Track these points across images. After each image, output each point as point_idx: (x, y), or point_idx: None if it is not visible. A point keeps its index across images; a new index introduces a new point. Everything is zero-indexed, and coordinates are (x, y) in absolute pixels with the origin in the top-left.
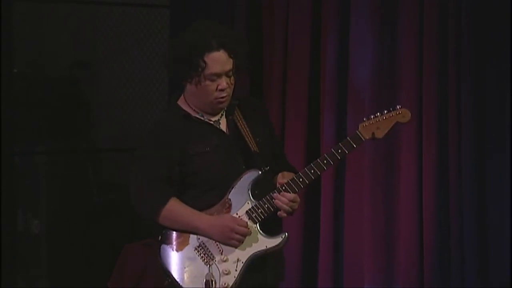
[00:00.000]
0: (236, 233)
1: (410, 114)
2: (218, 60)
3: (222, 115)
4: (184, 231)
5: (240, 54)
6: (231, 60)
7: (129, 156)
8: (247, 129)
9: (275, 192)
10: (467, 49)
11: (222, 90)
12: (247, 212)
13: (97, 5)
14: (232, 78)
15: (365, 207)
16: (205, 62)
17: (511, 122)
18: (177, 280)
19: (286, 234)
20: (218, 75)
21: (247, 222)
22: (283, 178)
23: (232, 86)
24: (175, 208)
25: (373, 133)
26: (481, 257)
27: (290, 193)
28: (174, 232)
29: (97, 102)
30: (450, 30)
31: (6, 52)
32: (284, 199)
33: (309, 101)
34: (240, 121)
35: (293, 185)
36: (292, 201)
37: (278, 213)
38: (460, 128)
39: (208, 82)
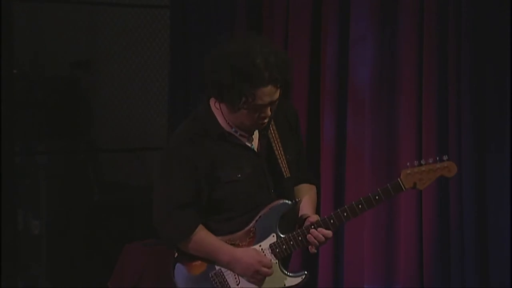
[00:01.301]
0: (260, 274)
1: (456, 169)
2: (268, 94)
3: None
4: (205, 260)
5: (288, 82)
6: (278, 91)
7: (155, 162)
8: (280, 147)
9: (303, 229)
10: (467, 49)
11: (265, 117)
12: (270, 246)
13: (97, 5)
14: (276, 104)
15: None
16: (253, 94)
17: (511, 122)
18: None
19: (306, 273)
20: (265, 106)
21: (272, 262)
22: (308, 206)
23: (274, 110)
24: (199, 238)
25: (415, 183)
26: (481, 257)
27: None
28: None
29: (97, 102)
30: (450, 30)
31: (6, 53)
32: (321, 237)
33: (309, 101)
34: (274, 136)
35: (322, 226)
36: (327, 237)
37: (310, 248)
38: (460, 128)
39: (252, 111)
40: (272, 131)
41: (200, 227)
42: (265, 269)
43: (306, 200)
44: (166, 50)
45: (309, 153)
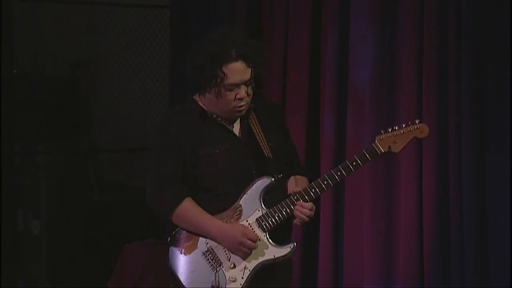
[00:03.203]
0: (244, 246)
1: (428, 130)
2: (237, 70)
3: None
4: (195, 233)
5: (259, 64)
6: (249, 70)
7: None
8: (261, 134)
9: (286, 201)
10: (467, 49)
11: (240, 99)
12: (257, 220)
13: (97, 5)
14: (251, 87)
15: (365, 207)
16: (224, 72)
17: (511, 122)
18: (183, 283)
19: (295, 244)
20: (237, 85)
21: (258, 236)
22: (295, 183)
23: (251, 95)
24: (188, 208)
25: (389, 147)
26: (481, 257)
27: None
28: (184, 235)
29: (97, 102)
30: (450, 30)
31: (6, 53)
32: (303, 210)
33: (309, 101)
34: (255, 126)
35: (305, 195)
36: (309, 209)
37: (294, 221)
38: (460, 128)
39: (227, 92)
40: (253, 122)
41: (189, 199)
42: (249, 242)
43: (294, 178)
44: (166, 50)
45: (309, 153)
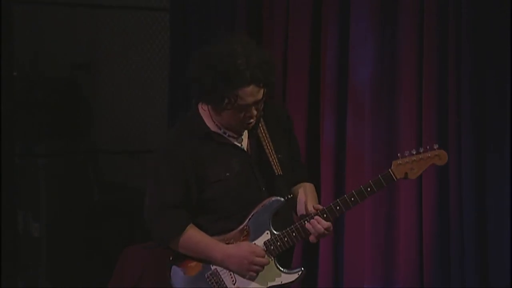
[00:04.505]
0: (255, 264)
1: (447, 157)
2: (250, 93)
3: None
4: (200, 260)
5: (271, 83)
6: (262, 90)
7: (144, 171)
8: (271, 144)
9: (296, 224)
10: (467, 49)
11: (250, 117)
12: (265, 243)
13: (98, 8)
14: (261, 103)
15: (365, 207)
16: (236, 95)
17: (511, 122)
18: None
19: (302, 269)
20: (249, 106)
21: (265, 252)
22: (305, 197)
23: (261, 110)
24: (190, 237)
25: (406, 173)
26: (481, 257)
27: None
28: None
29: (97, 103)
30: (450, 30)
31: (6, 53)
32: (319, 226)
33: (309, 101)
34: (264, 136)
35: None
36: (326, 229)
37: (310, 238)
38: (460, 128)
39: (236, 111)
40: (262, 131)
41: (191, 225)
42: (259, 259)
43: (303, 191)
44: (166, 52)
45: (309, 154)
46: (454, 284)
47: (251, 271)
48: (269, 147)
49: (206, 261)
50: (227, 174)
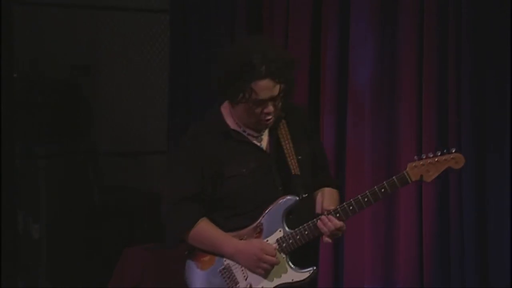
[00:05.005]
0: (264, 262)
1: (464, 160)
2: (266, 88)
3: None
4: (211, 253)
5: (289, 79)
6: (278, 86)
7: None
8: (291, 145)
9: (309, 223)
10: (467, 49)
11: (267, 113)
12: (277, 240)
13: (98, 10)
14: (279, 100)
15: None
16: (251, 89)
17: (511, 122)
18: None
19: (314, 268)
20: (265, 101)
21: (276, 250)
22: (322, 199)
23: (280, 107)
24: (203, 230)
25: (421, 176)
26: (481, 257)
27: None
28: (201, 250)
29: (97, 104)
30: (450, 30)
31: (7, 54)
32: (330, 225)
33: (309, 102)
34: (284, 136)
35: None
36: (338, 229)
37: (323, 238)
38: (460, 128)
39: (254, 106)
40: (282, 131)
41: (204, 219)
42: (268, 257)
43: (321, 193)
44: (166, 53)
45: None
46: (454, 284)
47: (259, 267)
48: (289, 148)
49: (218, 254)
50: (243, 170)
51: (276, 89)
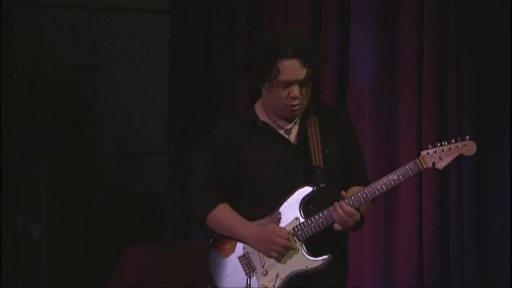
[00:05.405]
0: (276, 244)
1: (476, 147)
2: (292, 68)
3: (296, 123)
4: (229, 237)
5: (316, 65)
6: (305, 70)
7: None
8: (318, 139)
9: (324, 211)
10: (467, 49)
11: (293, 98)
12: (293, 229)
13: (98, 10)
14: (307, 87)
15: None
16: (278, 68)
17: (511, 122)
18: (218, 285)
19: (328, 256)
20: (291, 83)
21: (289, 233)
22: (345, 192)
23: (307, 96)
24: (221, 214)
25: (433, 163)
26: (481, 257)
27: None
28: (223, 238)
29: (97, 104)
30: (450, 30)
31: (7, 54)
32: (340, 211)
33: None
34: (313, 131)
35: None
36: (347, 215)
37: (334, 225)
38: (460, 128)
39: (280, 89)
40: (312, 126)
41: (224, 204)
42: (280, 239)
43: (351, 189)
44: (166, 53)
45: None
46: (454, 284)
47: (273, 250)
48: (315, 142)
49: (235, 239)
50: (266, 158)
51: (302, 72)
